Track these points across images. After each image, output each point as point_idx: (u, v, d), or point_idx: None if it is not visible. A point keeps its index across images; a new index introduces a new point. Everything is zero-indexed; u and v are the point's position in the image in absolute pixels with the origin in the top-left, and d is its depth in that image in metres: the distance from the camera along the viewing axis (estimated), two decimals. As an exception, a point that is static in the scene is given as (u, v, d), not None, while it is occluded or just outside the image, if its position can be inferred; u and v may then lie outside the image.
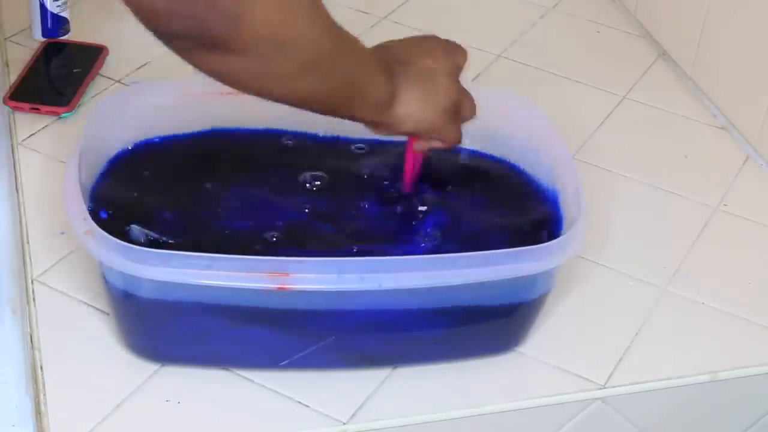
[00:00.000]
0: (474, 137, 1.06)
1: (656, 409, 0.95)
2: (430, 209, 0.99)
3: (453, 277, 0.85)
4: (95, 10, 1.31)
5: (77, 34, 1.27)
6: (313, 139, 1.05)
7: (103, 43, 1.25)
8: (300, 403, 0.88)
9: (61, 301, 0.95)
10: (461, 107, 0.94)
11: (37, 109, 1.15)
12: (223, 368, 0.90)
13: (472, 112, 0.96)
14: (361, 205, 0.98)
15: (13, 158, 1.10)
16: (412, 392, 0.90)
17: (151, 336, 0.90)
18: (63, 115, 1.15)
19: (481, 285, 0.87)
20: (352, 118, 0.90)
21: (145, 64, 1.23)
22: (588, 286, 1.01)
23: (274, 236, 0.93)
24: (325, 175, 1.01)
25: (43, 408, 0.86)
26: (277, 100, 0.83)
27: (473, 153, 1.06)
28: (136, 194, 0.96)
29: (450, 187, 1.02)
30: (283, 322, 0.87)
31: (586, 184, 0.95)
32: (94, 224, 0.84)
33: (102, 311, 0.94)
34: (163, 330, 0.89)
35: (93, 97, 1.18)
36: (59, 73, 1.23)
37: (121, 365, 0.90)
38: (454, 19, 1.38)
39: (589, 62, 1.33)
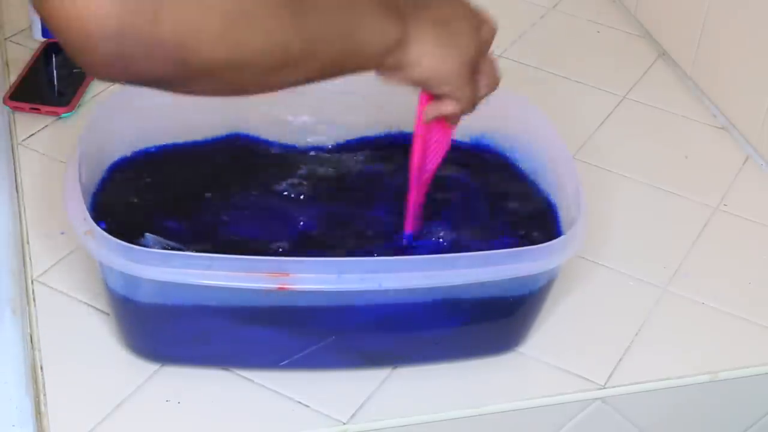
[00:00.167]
0: (474, 137, 1.06)
1: (656, 409, 0.95)
2: (430, 208, 0.99)
3: (453, 277, 0.85)
4: (95, 10, 1.31)
5: (77, 34, 1.27)
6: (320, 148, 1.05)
7: (103, 43, 1.25)
8: (300, 403, 0.88)
9: (61, 301, 0.95)
10: (480, 72, 0.86)
11: (37, 109, 1.15)
12: (223, 368, 0.90)
13: (491, 86, 0.88)
14: (367, 207, 0.98)
15: (13, 158, 1.10)
16: (412, 392, 0.90)
17: (151, 336, 0.90)
18: (63, 115, 1.15)
19: (481, 285, 0.87)
20: (360, 71, 0.81)
21: (145, 64, 1.23)
22: (588, 286, 1.01)
23: (281, 247, 0.93)
24: (332, 180, 1.01)
25: (43, 408, 0.86)
26: (259, 93, 0.78)
27: (473, 153, 1.06)
28: (135, 199, 0.97)
29: (447, 186, 1.02)
30: (284, 322, 0.87)
31: (586, 184, 0.95)
32: (94, 224, 0.84)
33: (102, 311, 0.94)
34: (163, 330, 0.89)
35: (93, 97, 1.19)
36: (59, 73, 1.23)
37: (121, 365, 0.90)
38: (454, 19, 1.38)
39: (589, 62, 1.33)
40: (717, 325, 0.99)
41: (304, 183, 1.01)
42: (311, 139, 1.05)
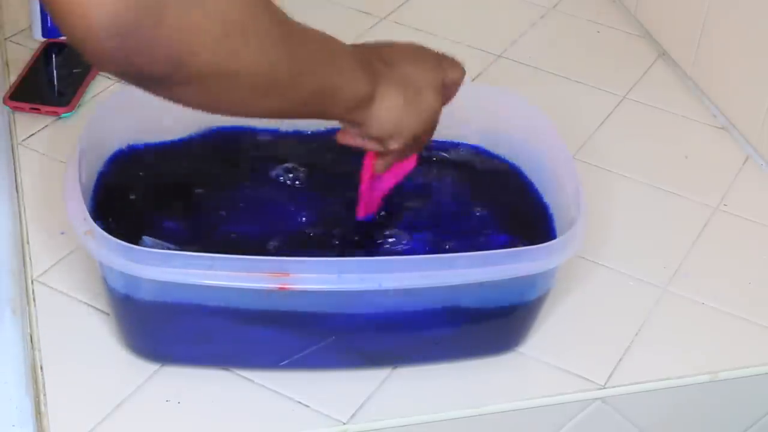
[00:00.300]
0: (474, 137, 1.06)
1: (656, 409, 0.95)
2: (429, 208, 0.99)
3: (453, 277, 0.85)
4: (95, 10, 1.31)
5: (77, 34, 1.27)
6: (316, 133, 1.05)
7: (103, 43, 1.25)
8: (300, 403, 0.88)
9: (61, 301, 0.95)
10: (431, 128, 0.90)
11: (37, 109, 1.15)
12: (223, 368, 0.90)
13: (428, 139, 0.92)
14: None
15: (13, 158, 1.10)
16: (412, 392, 0.90)
17: (151, 336, 0.90)
18: (63, 115, 1.15)
19: (481, 285, 0.87)
20: (326, 118, 0.87)
21: (145, 64, 1.23)
22: (588, 286, 1.01)
23: (275, 244, 0.93)
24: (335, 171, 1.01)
25: (43, 408, 0.86)
26: (237, 116, 0.81)
27: (473, 152, 1.06)
28: (136, 199, 0.97)
29: (448, 187, 1.02)
30: (284, 322, 0.87)
31: (586, 184, 0.95)
32: (94, 224, 0.84)
33: (102, 311, 0.94)
34: (163, 330, 0.89)
35: (93, 97, 1.18)
36: (59, 73, 1.23)
37: (121, 365, 0.90)
38: (455, 19, 1.38)
39: (589, 62, 1.33)
40: (717, 325, 0.99)
41: (300, 169, 1.01)
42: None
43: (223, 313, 0.86)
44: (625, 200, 1.12)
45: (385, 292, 0.85)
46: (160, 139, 1.02)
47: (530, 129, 1.03)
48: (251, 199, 0.98)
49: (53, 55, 1.24)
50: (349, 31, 1.31)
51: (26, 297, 0.95)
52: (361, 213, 0.96)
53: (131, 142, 1.01)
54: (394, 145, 0.88)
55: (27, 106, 1.15)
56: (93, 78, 1.20)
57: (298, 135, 1.05)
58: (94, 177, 0.96)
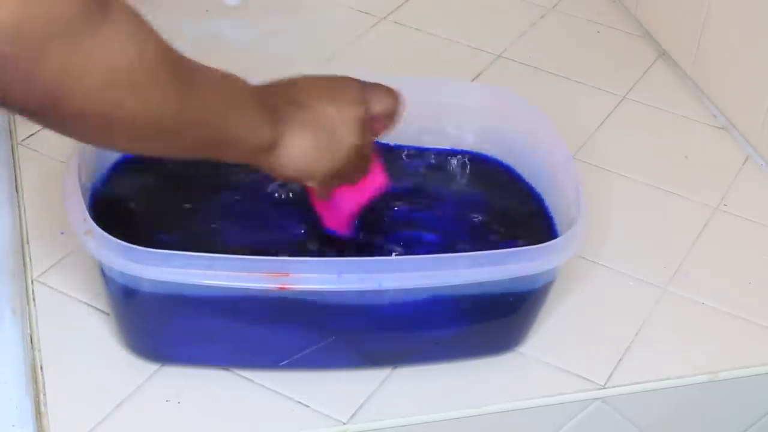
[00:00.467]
0: (473, 137, 1.06)
1: (656, 409, 0.95)
2: (429, 208, 0.99)
3: (453, 277, 0.85)
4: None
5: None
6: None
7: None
8: (300, 403, 0.88)
9: (61, 301, 0.95)
10: (353, 164, 0.87)
11: (37, 109, 1.15)
12: (223, 368, 0.90)
13: (356, 174, 0.89)
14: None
15: (13, 158, 1.10)
16: (412, 392, 0.90)
17: (151, 336, 0.90)
18: (63, 115, 1.15)
19: (481, 285, 0.87)
20: (226, 161, 0.85)
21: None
22: (588, 286, 1.01)
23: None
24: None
25: (43, 408, 0.86)
26: (131, 152, 0.79)
27: (472, 153, 1.06)
28: (136, 198, 0.97)
29: (447, 188, 1.02)
30: (284, 321, 0.87)
31: (586, 184, 0.95)
32: (94, 224, 0.84)
33: (102, 311, 0.94)
34: (163, 330, 0.89)
35: (93, 97, 1.18)
36: (59, 73, 1.22)
37: (121, 365, 0.90)
38: (454, 19, 1.38)
39: (589, 62, 1.33)
40: (717, 325, 0.99)
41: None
42: None
43: (223, 313, 0.86)
44: (624, 200, 1.12)
45: (385, 291, 0.85)
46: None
47: (530, 129, 1.02)
48: (243, 214, 0.97)
49: (53, 55, 1.24)
50: (349, 32, 1.32)
51: (26, 297, 0.95)
52: (329, 225, 0.95)
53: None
54: (311, 185, 0.87)
55: (27, 106, 1.15)
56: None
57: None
58: (95, 177, 0.96)
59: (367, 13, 1.37)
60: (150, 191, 0.98)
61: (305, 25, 1.33)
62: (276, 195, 0.98)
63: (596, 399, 0.92)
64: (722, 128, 1.23)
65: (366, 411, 0.88)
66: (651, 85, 1.29)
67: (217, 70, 0.78)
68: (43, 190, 1.05)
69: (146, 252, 0.82)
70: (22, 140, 1.12)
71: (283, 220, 0.96)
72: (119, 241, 0.82)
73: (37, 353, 0.90)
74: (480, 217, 0.99)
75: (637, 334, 0.97)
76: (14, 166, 1.09)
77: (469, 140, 1.06)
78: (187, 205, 0.97)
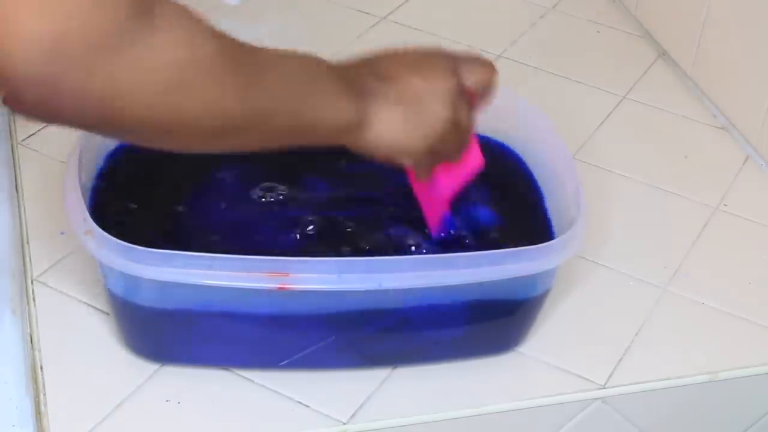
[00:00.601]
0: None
1: (656, 409, 0.95)
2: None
3: (453, 277, 0.85)
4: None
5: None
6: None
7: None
8: (300, 403, 0.88)
9: (61, 301, 0.95)
10: (450, 139, 0.83)
11: (37, 109, 1.15)
12: (223, 368, 0.90)
13: (455, 150, 0.86)
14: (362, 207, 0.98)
15: (13, 158, 1.10)
16: (412, 392, 0.90)
17: (151, 336, 0.89)
18: (63, 115, 1.15)
19: (481, 285, 0.87)
20: (311, 145, 0.79)
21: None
22: (588, 286, 1.01)
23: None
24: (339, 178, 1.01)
25: (43, 408, 0.86)
26: (204, 152, 0.76)
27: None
28: (136, 198, 0.96)
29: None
30: (284, 321, 0.87)
31: (586, 184, 0.95)
32: (94, 224, 0.84)
33: (102, 311, 0.94)
34: (163, 330, 0.89)
35: (93, 97, 1.18)
36: (59, 73, 1.22)
37: (121, 365, 0.90)
38: (455, 19, 1.38)
39: (589, 62, 1.33)
40: (717, 325, 0.99)
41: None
42: None
43: (223, 313, 0.86)
44: (624, 200, 1.12)
45: (385, 291, 0.85)
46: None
47: (530, 129, 1.02)
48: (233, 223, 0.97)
49: (53, 55, 1.24)
50: (349, 32, 1.32)
51: (26, 297, 0.95)
52: (434, 228, 0.93)
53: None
54: (407, 163, 0.84)
55: (27, 106, 1.15)
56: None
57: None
58: (95, 177, 0.96)
59: (367, 13, 1.37)
60: (150, 191, 0.98)
61: (305, 25, 1.33)
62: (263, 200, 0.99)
63: (596, 399, 0.92)
64: (722, 128, 1.23)
65: (366, 411, 0.88)
66: (651, 85, 1.29)
67: (290, 54, 0.75)
68: (43, 190, 1.05)
69: (146, 252, 0.82)
70: (22, 140, 1.12)
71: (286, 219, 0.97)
72: (119, 241, 0.82)
73: (37, 353, 0.90)
74: (479, 217, 0.99)
75: (637, 334, 0.97)
76: (14, 166, 1.09)
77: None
78: (188, 198, 0.96)
